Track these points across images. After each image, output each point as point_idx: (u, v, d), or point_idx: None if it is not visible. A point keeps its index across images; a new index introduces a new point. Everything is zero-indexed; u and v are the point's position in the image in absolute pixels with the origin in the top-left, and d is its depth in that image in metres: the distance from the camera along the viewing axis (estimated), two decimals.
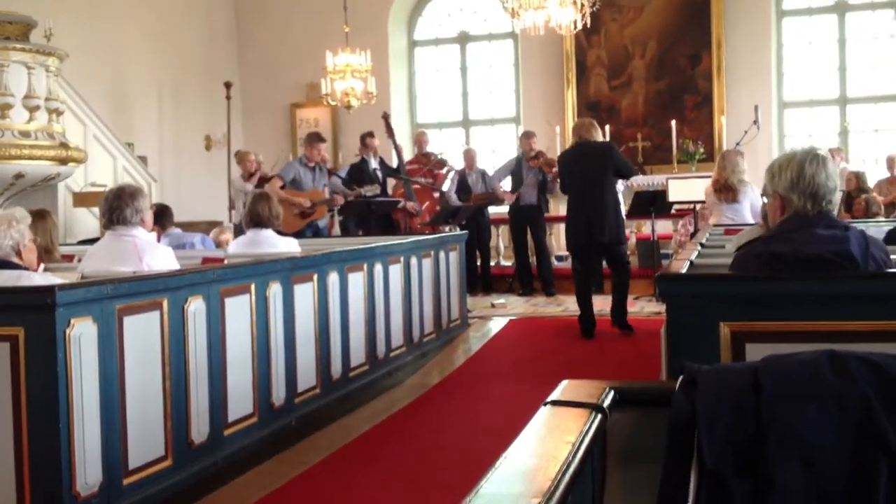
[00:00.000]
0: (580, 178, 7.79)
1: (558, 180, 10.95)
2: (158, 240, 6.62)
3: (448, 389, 6.35)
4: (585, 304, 7.88)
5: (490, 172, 11.20)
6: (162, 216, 6.91)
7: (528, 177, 10.49)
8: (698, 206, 8.90)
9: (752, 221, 6.89)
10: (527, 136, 10.89)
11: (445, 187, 11.18)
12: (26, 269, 3.84)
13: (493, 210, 11.40)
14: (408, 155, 12.17)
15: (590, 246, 7.91)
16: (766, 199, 3.03)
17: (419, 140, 11.80)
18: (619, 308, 7.96)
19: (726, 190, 7.24)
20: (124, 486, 3.69)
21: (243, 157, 10.73)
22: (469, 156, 11.37)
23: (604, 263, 8.58)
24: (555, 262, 11.25)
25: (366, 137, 10.49)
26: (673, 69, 13.16)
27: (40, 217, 5.72)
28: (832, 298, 2.72)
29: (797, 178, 2.80)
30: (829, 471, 1.54)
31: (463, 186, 11.08)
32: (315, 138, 9.59)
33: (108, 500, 3.59)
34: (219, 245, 7.39)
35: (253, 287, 4.76)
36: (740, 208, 7.21)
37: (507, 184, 10.99)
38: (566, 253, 11.76)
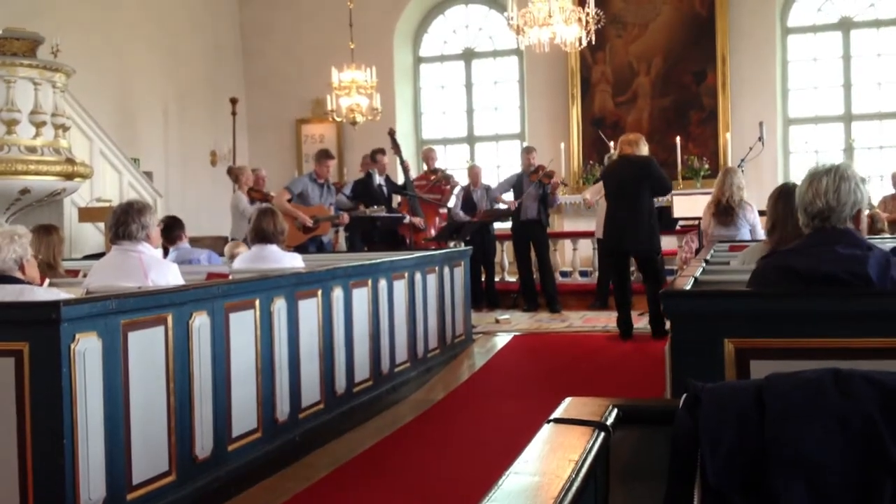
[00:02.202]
0: (617, 188, 8.25)
1: (558, 193, 11.06)
2: (166, 253, 6.64)
3: (452, 405, 6.34)
4: (623, 309, 8.35)
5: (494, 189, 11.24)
6: (172, 229, 6.88)
7: (529, 191, 10.51)
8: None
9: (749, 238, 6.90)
10: (527, 151, 10.94)
11: (451, 203, 11.20)
12: (29, 283, 3.85)
13: (497, 226, 11.41)
14: (413, 170, 12.18)
15: (622, 253, 8.40)
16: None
17: (427, 156, 11.80)
18: (655, 319, 8.11)
19: (723, 213, 7.25)
20: (128, 501, 3.68)
21: (241, 171, 10.54)
22: (474, 172, 11.39)
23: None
24: (559, 278, 11.25)
25: (376, 154, 10.51)
26: (678, 86, 13.18)
27: (46, 232, 5.74)
28: (837, 315, 2.71)
29: (799, 194, 2.90)
30: (833, 490, 1.54)
31: (468, 203, 11.10)
32: (324, 155, 9.63)
33: None
34: (232, 258, 7.40)
35: (257, 302, 4.76)
36: (734, 232, 7.20)
37: (508, 198, 11.01)
38: (571, 269, 11.80)
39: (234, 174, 10.89)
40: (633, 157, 8.25)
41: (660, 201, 11.56)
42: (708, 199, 8.00)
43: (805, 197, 2.85)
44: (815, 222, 2.85)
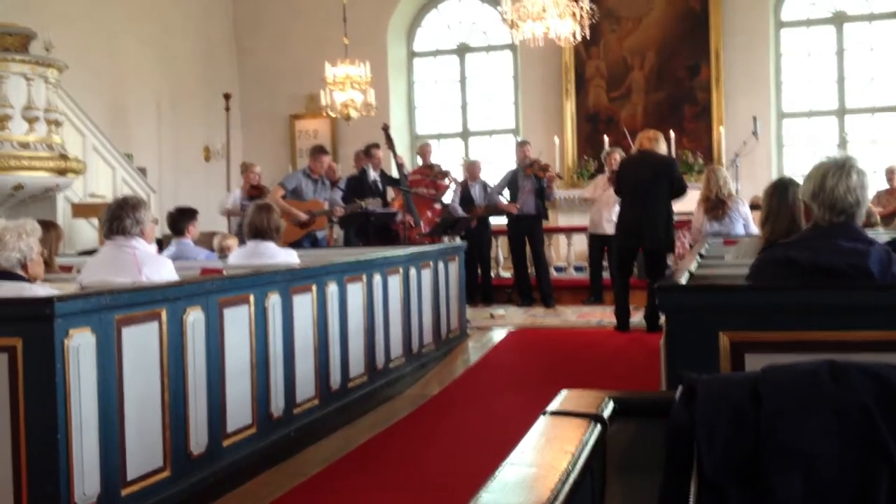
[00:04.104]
0: (637, 185, 8.24)
1: (555, 186, 11.06)
2: (161, 249, 6.61)
3: (447, 400, 6.34)
4: (622, 299, 8.45)
5: (491, 184, 11.20)
6: (179, 220, 6.81)
7: (525, 185, 10.50)
8: None
9: (742, 233, 6.93)
10: (521, 145, 10.93)
11: (448, 198, 11.20)
12: (29, 281, 3.82)
13: (492, 220, 11.40)
14: (407, 166, 12.15)
15: (636, 249, 8.50)
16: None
17: (423, 151, 11.79)
18: (652, 315, 8.14)
19: (715, 207, 7.31)
20: (123, 497, 3.68)
21: (248, 168, 10.81)
22: (473, 167, 11.38)
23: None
24: (554, 273, 11.25)
25: (371, 148, 10.49)
26: (672, 80, 13.18)
27: (44, 228, 5.71)
28: (831, 309, 2.71)
29: (818, 188, 2.82)
30: (830, 482, 1.54)
31: (466, 198, 11.09)
32: (319, 151, 9.65)
33: None
34: (221, 250, 7.39)
35: (252, 298, 4.76)
36: (728, 226, 7.24)
37: (506, 195, 10.99)
38: (565, 264, 11.80)
39: (242, 167, 11.10)
40: (655, 154, 8.31)
41: None
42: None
43: (836, 192, 2.78)
44: (841, 217, 2.80)
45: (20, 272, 3.79)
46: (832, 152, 12.35)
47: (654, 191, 8.15)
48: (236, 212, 10.31)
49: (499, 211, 10.95)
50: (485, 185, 11.21)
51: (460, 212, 10.89)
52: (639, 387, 6.04)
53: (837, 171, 2.80)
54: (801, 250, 2.81)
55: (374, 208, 9.73)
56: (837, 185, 2.78)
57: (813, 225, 2.85)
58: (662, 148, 8.43)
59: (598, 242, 10.32)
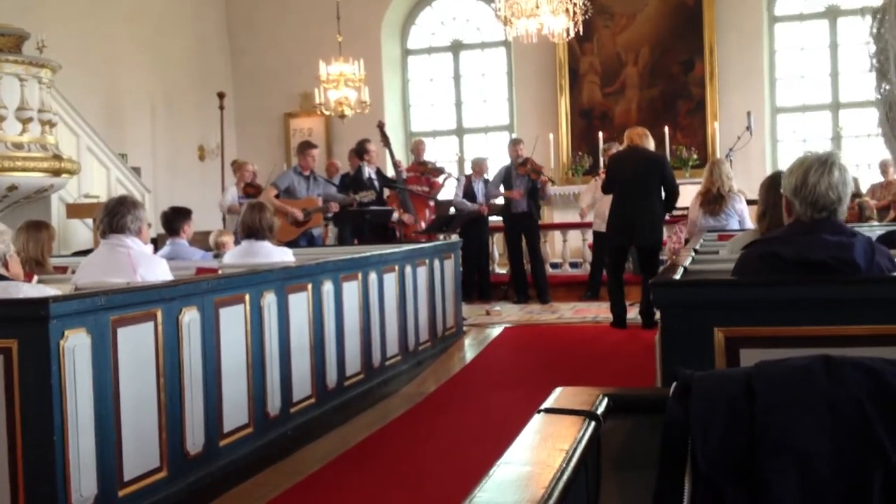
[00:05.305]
0: (629, 181, 8.20)
1: (548, 187, 11.08)
2: (158, 247, 6.60)
3: (443, 398, 6.34)
4: (618, 296, 8.40)
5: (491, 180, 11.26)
6: (174, 220, 6.80)
7: (518, 184, 10.52)
8: None
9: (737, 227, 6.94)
10: (514, 143, 10.94)
11: (450, 195, 11.22)
12: (13, 280, 3.82)
13: (490, 218, 11.40)
14: (403, 162, 12.15)
15: (628, 246, 8.53)
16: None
17: (417, 148, 11.78)
18: (647, 311, 8.12)
19: (712, 202, 7.32)
20: (119, 497, 3.67)
21: (240, 166, 10.77)
22: (479, 165, 11.38)
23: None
24: (549, 270, 11.26)
25: (364, 143, 10.47)
26: (666, 76, 13.19)
27: (36, 228, 5.71)
28: (825, 303, 2.71)
29: (800, 184, 2.82)
30: (824, 478, 1.54)
31: (469, 194, 11.12)
32: (306, 146, 9.62)
33: None
34: (217, 247, 7.38)
35: (247, 297, 4.75)
36: (723, 222, 7.25)
37: (501, 191, 11.02)
38: (561, 260, 11.81)
39: (234, 167, 11.05)
40: (646, 151, 8.31)
41: None
42: (698, 189, 8.05)
43: (818, 188, 2.78)
44: (822, 214, 2.81)
45: (1, 271, 3.79)
46: (817, 147, 12.42)
47: (645, 187, 8.13)
48: (236, 209, 10.25)
49: (501, 204, 10.97)
50: (486, 182, 11.26)
51: (468, 205, 10.91)
52: (635, 382, 6.04)
53: (820, 168, 2.80)
54: (785, 245, 2.81)
55: (368, 199, 9.70)
56: (819, 182, 2.78)
57: (795, 220, 2.86)
58: (651, 144, 8.43)
59: (601, 239, 10.30)
